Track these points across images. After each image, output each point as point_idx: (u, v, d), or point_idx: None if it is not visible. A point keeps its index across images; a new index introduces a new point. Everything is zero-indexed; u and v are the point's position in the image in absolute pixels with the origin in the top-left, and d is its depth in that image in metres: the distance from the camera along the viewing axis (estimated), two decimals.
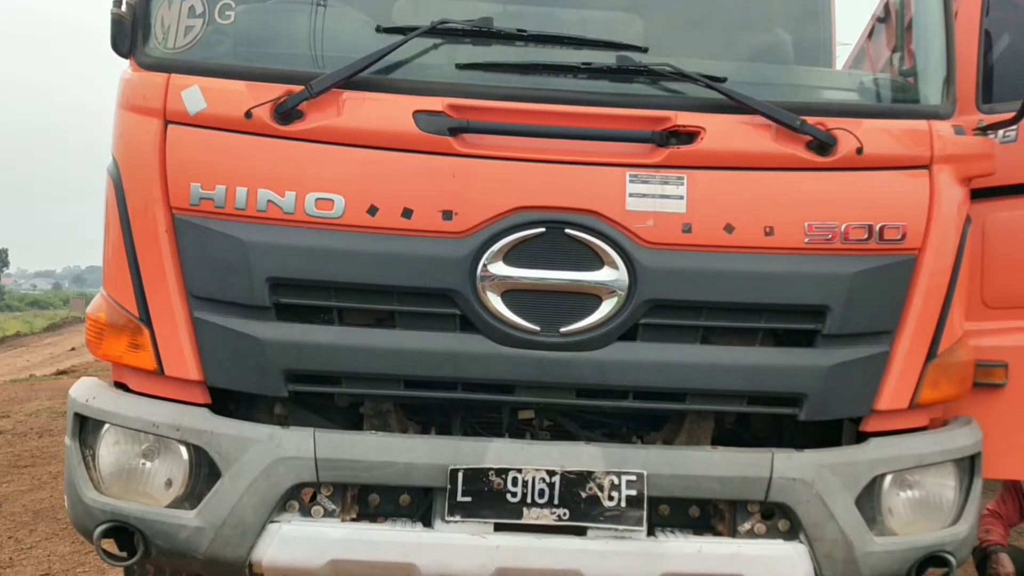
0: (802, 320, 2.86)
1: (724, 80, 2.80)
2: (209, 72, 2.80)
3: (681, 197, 2.76)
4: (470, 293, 2.72)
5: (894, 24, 3.34)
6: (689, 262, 2.77)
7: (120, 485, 2.81)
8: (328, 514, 2.79)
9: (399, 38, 2.75)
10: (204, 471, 2.77)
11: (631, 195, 2.75)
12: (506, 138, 2.75)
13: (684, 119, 2.79)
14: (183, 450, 2.78)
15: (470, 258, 2.71)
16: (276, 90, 2.73)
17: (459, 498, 2.71)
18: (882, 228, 2.85)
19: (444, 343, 2.76)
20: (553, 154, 2.75)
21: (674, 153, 2.77)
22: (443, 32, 2.80)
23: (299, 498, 2.78)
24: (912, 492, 2.96)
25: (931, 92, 3.06)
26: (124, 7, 2.86)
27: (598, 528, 2.74)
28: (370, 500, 2.87)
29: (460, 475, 2.71)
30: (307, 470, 2.71)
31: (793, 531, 2.83)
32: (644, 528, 2.74)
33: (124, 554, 2.78)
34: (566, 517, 2.73)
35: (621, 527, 2.73)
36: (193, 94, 2.75)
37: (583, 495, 2.73)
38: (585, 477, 2.74)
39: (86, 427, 2.86)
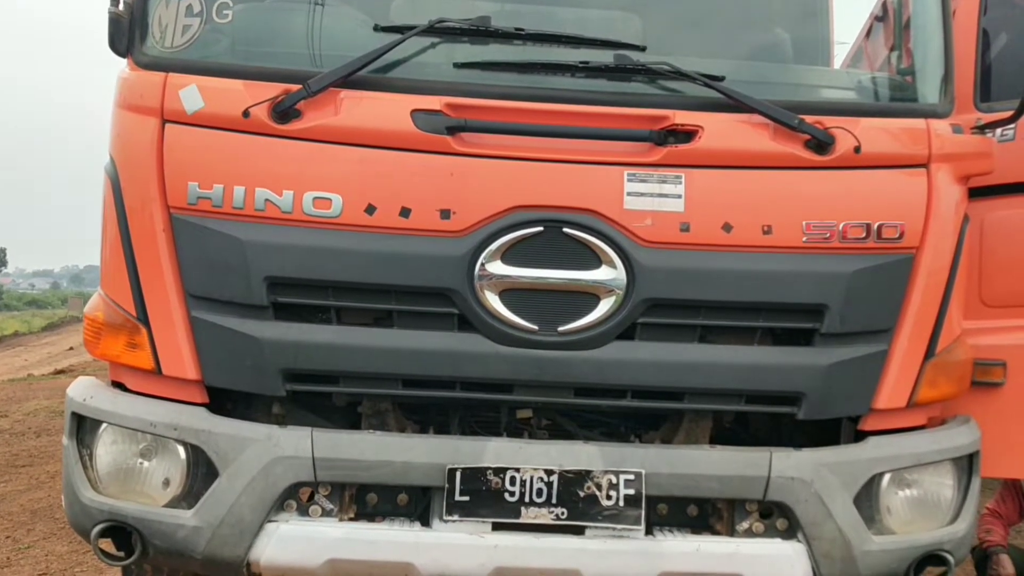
0: (800, 319, 2.86)
1: (722, 79, 2.80)
2: (207, 71, 2.79)
3: (679, 196, 2.76)
4: (468, 292, 2.72)
5: (892, 23, 3.33)
6: (687, 261, 2.77)
7: (118, 485, 2.81)
8: (326, 513, 2.79)
9: (397, 37, 2.74)
10: (202, 470, 2.76)
11: (629, 194, 2.74)
12: (504, 137, 2.75)
13: (682, 118, 2.78)
14: (181, 449, 2.77)
15: (468, 257, 2.71)
16: (274, 89, 2.72)
17: (457, 497, 2.70)
18: (880, 227, 2.85)
19: (442, 342, 2.76)
20: (551, 153, 2.75)
21: (672, 152, 2.77)
22: (441, 31, 2.80)
23: (297, 498, 2.78)
24: (910, 491, 2.96)
25: (929, 91, 3.07)
26: (121, 6, 2.86)
27: (596, 527, 2.74)
28: (368, 499, 2.87)
29: (458, 474, 2.71)
30: (305, 469, 2.71)
31: (791, 530, 2.83)
32: (642, 527, 2.74)
33: (122, 554, 2.78)
34: (564, 516, 2.72)
35: (619, 526, 2.73)
36: (191, 93, 2.74)
37: (581, 494, 2.73)
38: (583, 476, 2.74)
39: (84, 426, 2.86)
